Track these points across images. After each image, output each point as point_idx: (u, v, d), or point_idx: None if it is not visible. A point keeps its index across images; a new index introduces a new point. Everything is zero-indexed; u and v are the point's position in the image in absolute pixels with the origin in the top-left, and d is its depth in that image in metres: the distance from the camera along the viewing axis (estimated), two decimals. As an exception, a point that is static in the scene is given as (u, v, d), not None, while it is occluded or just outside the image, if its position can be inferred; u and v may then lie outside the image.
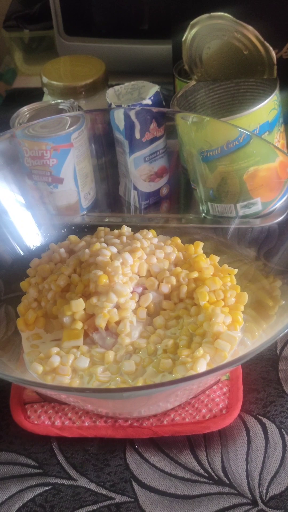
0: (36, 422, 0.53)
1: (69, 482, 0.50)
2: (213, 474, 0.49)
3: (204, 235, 0.66)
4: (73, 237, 0.63)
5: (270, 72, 0.67)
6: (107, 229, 0.63)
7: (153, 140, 0.69)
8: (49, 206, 0.68)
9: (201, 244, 0.60)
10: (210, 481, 0.49)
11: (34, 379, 0.52)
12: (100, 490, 0.49)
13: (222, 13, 0.64)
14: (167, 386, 0.44)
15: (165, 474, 0.50)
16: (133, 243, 0.58)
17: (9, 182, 0.63)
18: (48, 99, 0.81)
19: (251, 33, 0.65)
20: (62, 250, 0.62)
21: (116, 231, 0.63)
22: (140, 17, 1.00)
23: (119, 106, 0.69)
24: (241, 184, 0.64)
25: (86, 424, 0.52)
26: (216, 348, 0.51)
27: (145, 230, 0.62)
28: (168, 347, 0.53)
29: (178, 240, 0.62)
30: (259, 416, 0.53)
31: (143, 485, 0.49)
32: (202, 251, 0.60)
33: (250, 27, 0.64)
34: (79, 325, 0.54)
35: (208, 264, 0.58)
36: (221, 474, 0.49)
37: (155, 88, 0.71)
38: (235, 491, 0.48)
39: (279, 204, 0.61)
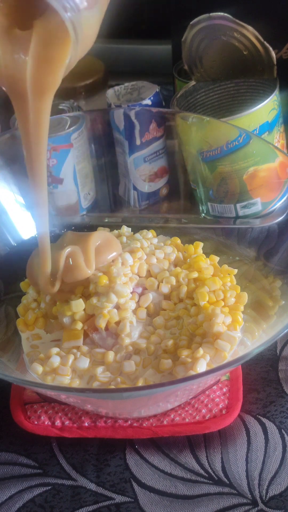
0: (36, 423, 0.53)
1: (69, 483, 0.50)
2: (213, 474, 0.49)
3: (204, 235, 0.66)
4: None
5: (270, 72, 0.67)
6: (107, 229, 0.63)
7: (153, 140, 0.69)
8: (49, 206, 0.68)
9: (201, 244, 0.60)
10: (210, 481, 0.49)
11: (34, 380, 0.52)
12: (100, 490, 0.49)
13: (222, 13, 0.64)
14: (167, 386, 0.44)
15: (165, 474, 0.50)
16: (133, 244, 0.58)
17: (9, 182, 0.63)
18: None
19: (251, 33, 0.65)
20: (62, 250, 0.62)
21: (116, 231, 0.63)
22: (140, 17, 1.00)
23: (119, 106, 0.69)
24: (241, 184, 0.64)
25: (86, 424, 0.52)
26: (216, 348, 0.51)
27: (145, 230, 0.62)
28: (168, 347, 0.53)
29: (178, 240, 0.62)
30: (259, 416, 0.53)
31: (143, 485, 0.49)
32: (202, 251, 0.60)
33: (250, 27, 0.64)
34: (79, 326, 0.54)
35: (208, 264, 0.58)
36: (221, 474, 0.49)
37: (155, 88, 0.71)
38: (235, 491, 0.48)
39: (279, 204, 0.61)
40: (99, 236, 0.56)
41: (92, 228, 0.65)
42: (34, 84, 0.41)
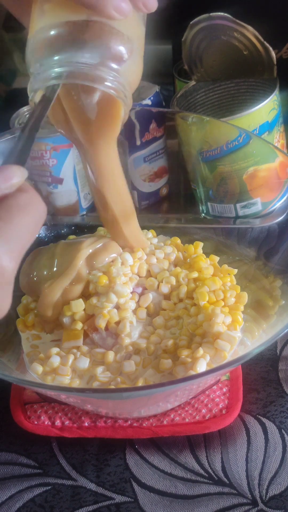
0: (36, 423, 0.53)
1: (69, 482, 0.50)
2: (213, 474, 0.49)
3: (204, 235, 0.66)
4: (73, 237, 0.63)
5: (270, 72, 0.67)
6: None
7: (153, 140, 0.69)
8: (49, 206, 0.68)
9: (201, 244, 0.60)
10: (210, 481, 0.49)
11: (34, 380, 0.52)
12: (100, 490, 0.49)
13: (222, 13, 0.64)
14: (167, 386, 0.44)
15: (165, 474, 0.50)
16: (133, 243, 0.58)
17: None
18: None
19: (251, 33, 0.65)
20: (62, 250, 0.61)
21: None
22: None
23: (118, 106, 0.69)
24: (240, 184, 0.64)
25: (86, 424, 0.52)
26: (216, 348, 0.51)
27: (145, 230, 0.62)
28: (168, 347, 0.53)
29: (178, 240, 0.62)
30: (259, 416, 0.53)
31: (143, 485, 0.49)
32: (202, 251, 0.60)
33: (250, 27, 0.64)
34: (79, 326, 0.54)
35: (208, 264, 0.58)
36: (221, 474, 0.49)
37: (155, 88, 0.71)
38: (235, 491, 0.48)
39: (279, 204, 0.61)
40: (90, 248, 0.56)
41: (92, 228, 0.65)
42: (100, 140, 0.50)
